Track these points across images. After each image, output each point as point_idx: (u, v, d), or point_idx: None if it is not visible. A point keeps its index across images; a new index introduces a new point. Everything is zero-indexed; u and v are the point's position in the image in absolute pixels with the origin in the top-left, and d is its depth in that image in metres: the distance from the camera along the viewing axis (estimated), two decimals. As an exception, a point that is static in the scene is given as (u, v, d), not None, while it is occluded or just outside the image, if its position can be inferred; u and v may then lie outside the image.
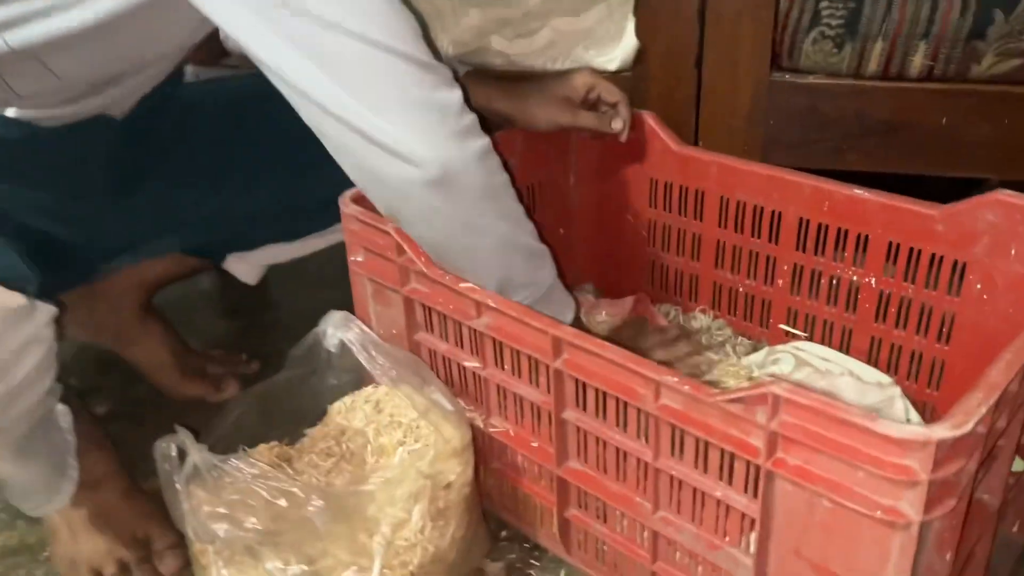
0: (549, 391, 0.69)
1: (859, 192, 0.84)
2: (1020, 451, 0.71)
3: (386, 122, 0.64)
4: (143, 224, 0.94)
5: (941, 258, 0.80)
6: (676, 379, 0.59)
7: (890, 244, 0.83)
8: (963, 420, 0.48)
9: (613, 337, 0.93)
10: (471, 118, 0.68)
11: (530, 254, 0.74)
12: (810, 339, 0.93)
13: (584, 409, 0.69)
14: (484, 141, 0.68)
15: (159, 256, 1.00)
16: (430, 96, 0.65)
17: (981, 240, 0.77)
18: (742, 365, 0.94)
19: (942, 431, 0.48)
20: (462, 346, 0.77)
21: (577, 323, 0.80)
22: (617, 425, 0.67)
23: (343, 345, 0.76)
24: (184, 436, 0.64)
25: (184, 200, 0.94)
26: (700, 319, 1.01)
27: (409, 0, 0.69)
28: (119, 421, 1.06)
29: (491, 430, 0.78)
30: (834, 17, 0.95)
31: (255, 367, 1.13)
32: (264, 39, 0.63)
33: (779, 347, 0.94)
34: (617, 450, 0.67)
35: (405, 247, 0.75)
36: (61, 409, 0.81)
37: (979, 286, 0.78)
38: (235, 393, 1.08)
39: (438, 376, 0.83)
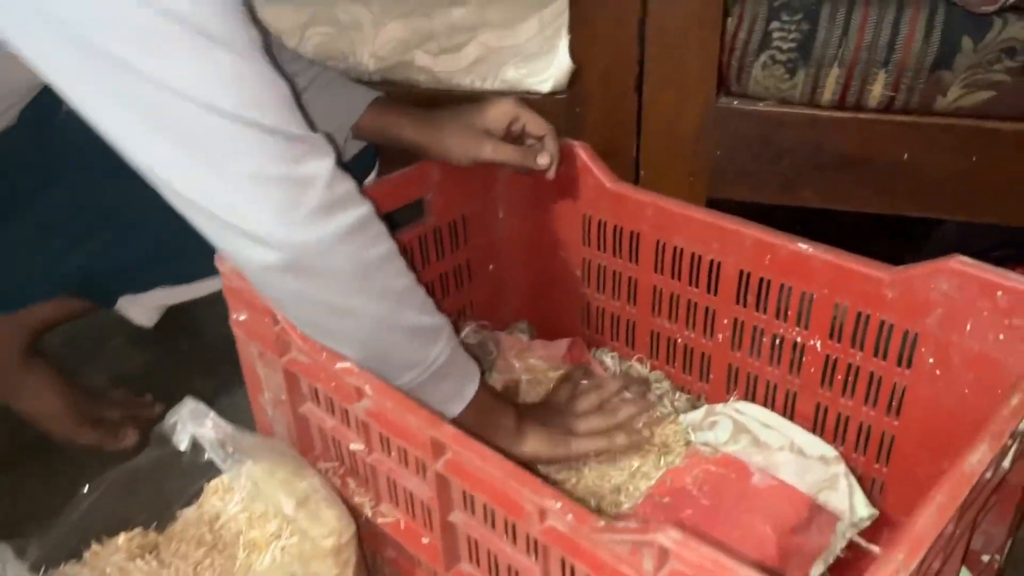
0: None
1: (803, 247, 0.74)
2: (969, 564, 0.63)
3: (238, 200, 0.56)
4: (8, 268, 0.84)
5: (891, 326, 0.72)
6: (560, 504, 0.50)
7: (836, 305, 0.74)
8: (879, 594, 0.40)
9: (550, 399, 0.85)
10: (343, 189, 0.59)
11: (415, 332, 0.65)
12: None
13: (472, 513, 0.60)
14: (356, 213, 0.60)
15: (40, 300, 0.90)
16: (290, 171, 0.56)
17: (934, 311, 0.68)
18: (680, 425, 0.85)
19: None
20: (348, 425, 0.68)
21: (481, 395, 0.72)
22: (506, 536, 0.58)
23: (196, 442, 0.67)
24: (2, 551, 0.55)
25: (59, 243, 0.85)
26: (637, 369, 0.93)
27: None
28: (4, 472, 0.98)
29: (380, 520, 0.69)
30: (786, 40, 0.85)
31: (158, 410, 1.04)
32: (102, 104, 0.54)
33: (719, 407, 0.85)
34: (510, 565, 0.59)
35: (279, 316, 0.66)
36: None
37: (931, 360, 0.70)
38: (133, 442, 1.00)
39: (328, 454, 0.74)
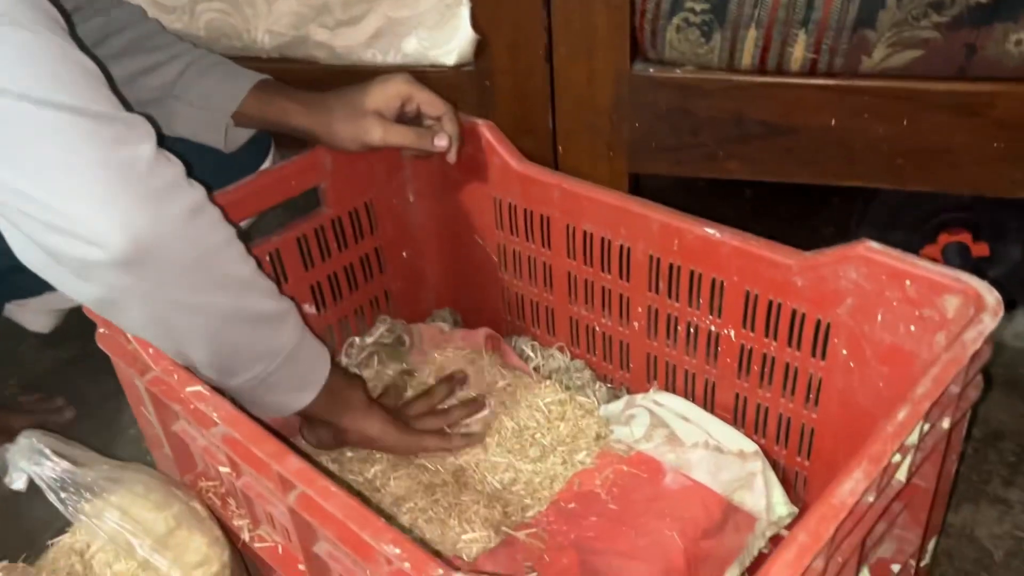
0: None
1: (711, 232, 0.69)
2: (876, 573, 0.59)
3: (51, 194, 0.49)
4: None
5: (803, 315, 0.66)
6: (399, 551, 0.46)
7: (747, 293, 0.69)
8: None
9: (383, 400, 0.80)
10: (171, 171, 0.54)
11: (261, 321, 0.61)
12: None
13: (335, 546, 0.56)
14: (190, 198, 0.54)
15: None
16: (108, 154, 0.50)
17: (844, 300, 0.63)
18: (594, 418, 0.80)
19: None
20: (216, 446, 0.64)
21: (332, 377, 0.68)
22: (368, 572, 0.53)
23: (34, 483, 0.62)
24: None
25: None
26: (558, 358, 0.88)
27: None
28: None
29: (258, 545, 0.65)
30: (698, 1, 0.78)
31: (70, 415, 1.00)
32: None
33: (638, 398, 0.81)
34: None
35: (132, 339, 0.61)
36: None
37: (845, 352, 0.65)
38: (42, 449, 0.95)
39: (208, 472, 0.70)
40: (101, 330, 0.69)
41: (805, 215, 1.18)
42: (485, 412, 0.81)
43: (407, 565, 0.45)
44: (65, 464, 0.59)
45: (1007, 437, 0.87)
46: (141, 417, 0.75)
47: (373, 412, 0.73)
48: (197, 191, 0.55)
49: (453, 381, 0.84)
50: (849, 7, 0.74)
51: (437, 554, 0.58)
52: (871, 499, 0.46)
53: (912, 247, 0.98)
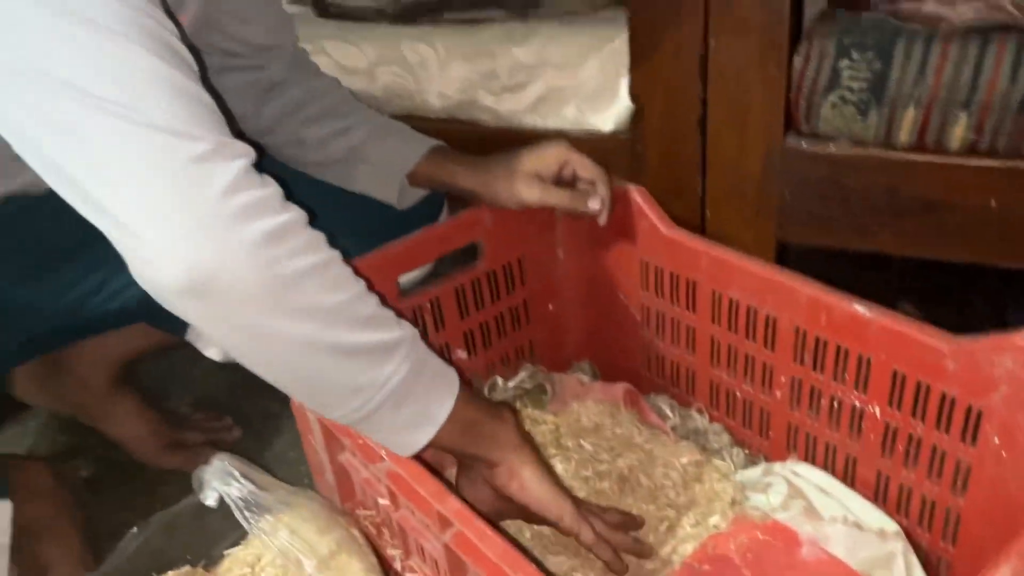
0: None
1: (860, 310, 0.70)
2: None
3: (121, 204, 0.49)
4: (70, 303, 0.88)
5: (953, 399, 0.66)
6: (549, 598, 0.49)
7: (895, 373, 0.69)
8: None
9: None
10: (256, 194, 0.52)
11: (355, 353, 0.58)
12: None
13: (485, 583, 0.60)
14: (270, 223, 0.52)
15: (107, 329, 0.95)
16: (182, 169, 0.49)
17: (999, 388, 0.62)
18: (729, 482, 0.81)
19: None
20: (378, 479, 0.69)
21: (461, 406, 0.64)
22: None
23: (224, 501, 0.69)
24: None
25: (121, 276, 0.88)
26: (697, 419, 0.89)
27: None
28: (93, 489, 1.05)
29: (407, 575, 0.70)
30: (856, 79, 0.80)
31: (236, 435, 1.09)
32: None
33: (776, 466, 0.81)
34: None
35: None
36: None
37: (997, 440, 0.64)
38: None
39: (366, 502, 0.76)
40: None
41: (955, 290, 1.15)
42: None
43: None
44: (250, 486, 0.66)
45: None
46: (307, 444, 0.82)
47: (524, 457, 0.67)
48: (284, 215, 0.53)
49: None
50: (1013, 90, 0.74)
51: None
52: (1020, 598, 0.46)
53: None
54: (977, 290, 1.10)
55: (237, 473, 0.65)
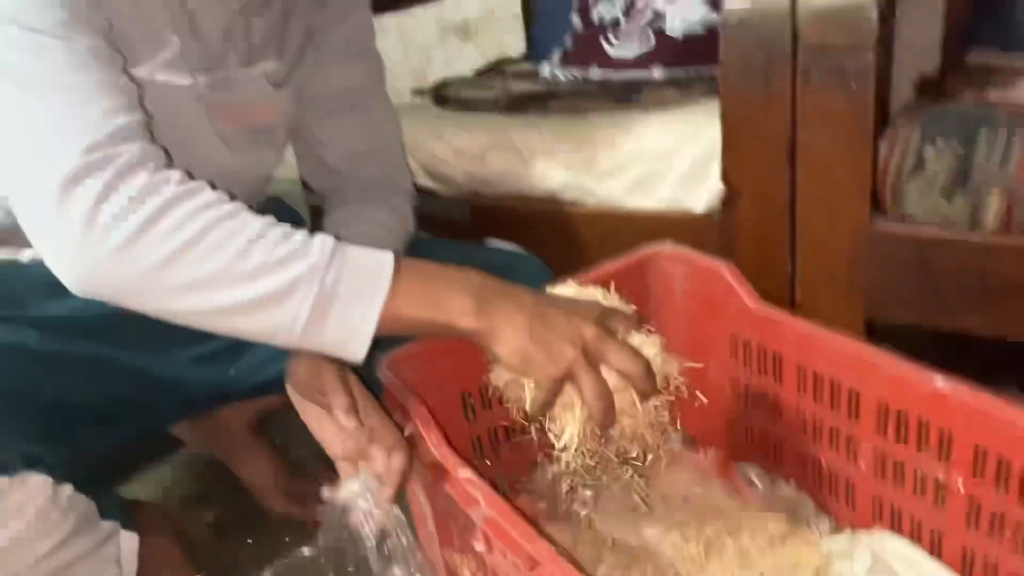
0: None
1: (942, 387, 0.72)
2: None
3: (22, 219, 0.61)
4: (225, 368, 1.00)
5: (1036, 474, 0.67)
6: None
7: (976, 447, 0.71)
8: None
9: None
10: (119, 203, 0.58)
11: (251, 305, 0.61)
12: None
13: (570, 625, 0.64)
14: (133, 223, 0.58)
15: (248, 398, 1.06)
16: (48, 196, 0.58)
17: (1079, 464, 0.64)
18: (816, 549, 0.83)
19: None
20: (475, 525, 0.75)
21: (398, 309, 0.64)
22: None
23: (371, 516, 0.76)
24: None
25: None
26: (784, 488, 0.92)
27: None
28: (219, 531, 1.14)
29: (500, 618, 0.75)
30: (941, 165, 0.84)
31: (352, 489, 1.17)
32: None
33: (863, 535, 0.83)
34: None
35: (420, 428, 0.75)
36: (125, 535, 0.87)
37: (1082, 518, 0.65)
38: (324, 514, 1.13)
39: (464, 545, 0.81)
40: (395, 417, 0.84)
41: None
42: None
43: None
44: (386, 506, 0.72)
45: None
46: (411, 494, 0.89)
47: (492, 307, 0.66)
48: (147, 209, 0.58)
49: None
50: (1099, 176, 0.76)
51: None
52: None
53: None
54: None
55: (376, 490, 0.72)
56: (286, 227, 0.63)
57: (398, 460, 0.72)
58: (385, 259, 0.64)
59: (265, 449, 1.13)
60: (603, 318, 0.68)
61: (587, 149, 1.05)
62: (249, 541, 1.11)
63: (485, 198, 1.17)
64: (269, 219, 0.63)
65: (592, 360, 0.66)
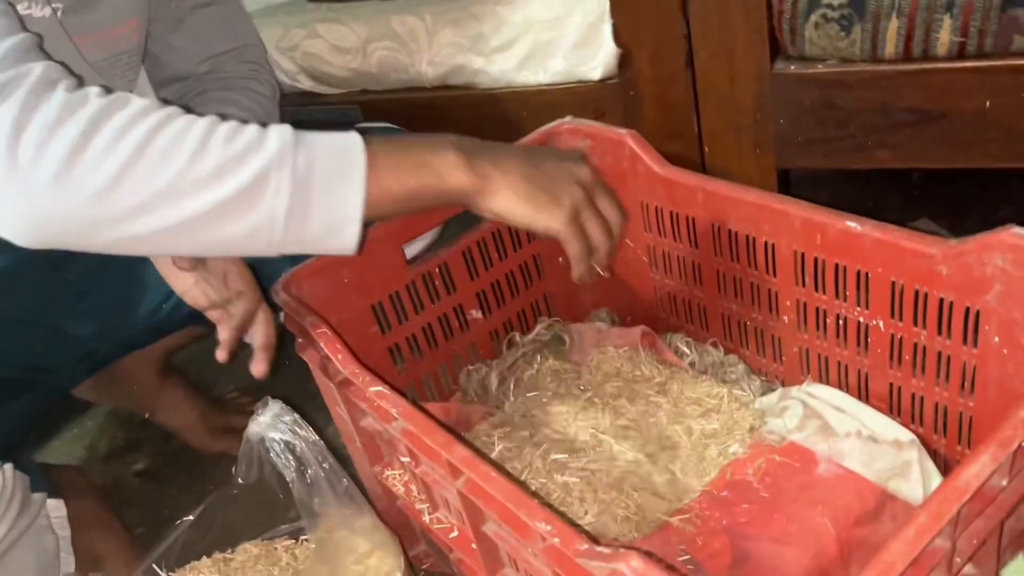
0: (467, 503, 0.63)
1: (852, 226, 0.70)
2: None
3: None
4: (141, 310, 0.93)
5: (951, 303, 0.66)
6: (549, 527, 0.52)
7: (893, 284, 0.70)
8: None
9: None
10: (43, 120, 0.51)
11: (221, 207, 0.53)
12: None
13: (500, 525, 0.63)
14: (66, 140, 0.50)
15: (168, 334, 1.00)
16: None
17: (992, 287, 0.62)
18: (748, 409, 0.83)
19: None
20: (398, 437, 0.73)
21: (382, 180, 0.57)
22: (528, 548, 0.60)
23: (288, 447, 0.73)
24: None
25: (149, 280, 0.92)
26: (712, 353, 0.91)
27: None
28: (151, 479, 1.11)
29: (436, 527, 0.73)
30: (835, -4, 0.79)
31: (276, 415, 1.14)
32: None
33: (793, 390, 0.82)
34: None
35: (323, 346, 0.71)
36: (52, 503, 0.84)
37: (997, 338, 0.64)
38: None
39: (393, 462, 0.79)
40: (299, 340, 0.80)
41: (978, 199, 1.13)
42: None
43: (556, 541, 0.51)
44: (304, 433, 0.69)
45: None
46: (336, 416, 0.85)
47: (481, 167, 0.61)
48: (78, 123, 0.51)
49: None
50: (995, -13, 0.73)
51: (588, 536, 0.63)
52: (1003, 483, 0.47)
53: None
54: (1000, 193, 1.09)
55: (289, 419, 0.68)
56: (233, 122, 0.55)
57: (248, 313, 0.74)
58: (351, 136, 0.57)
59: (181, 390, 1.09)
60: (586, 161, 0.69)
61: (472, 27, 0.97)
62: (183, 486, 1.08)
63: (374, 93, 1.09)
64: (211, 117, 0.55)
65: (591, 202, 0.66)
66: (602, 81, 0.95)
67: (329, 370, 0.74)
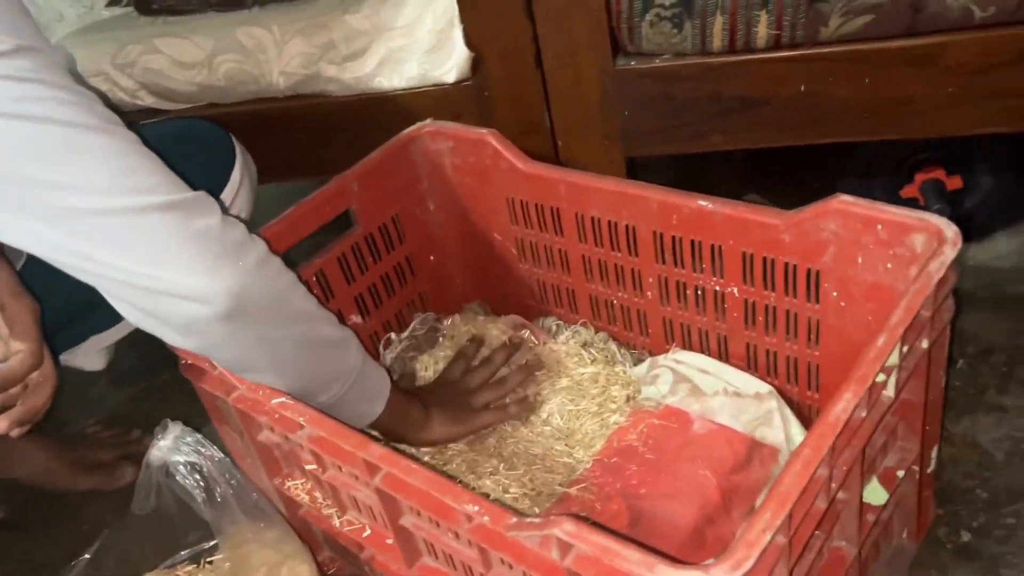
0: (382, 500, 0.65)
1: (704, 204, 0.78)
2: (884, 481, 0.68)
3: (161, 271, 0.60)
4: None
5: (795, 267, 0.75)
6: (477, 508, 0.55)
7: (744, 254, 0.78)
8: (744, 555, 0.45)
9: (443, 377, 0.92)
10: (238, 231, 0.64)
11: (331, 346, 0.71)
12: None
13: (418, 515, 0.65)
14: (259, 249, 0.64)
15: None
16: (188, 229, 0.60)
17: (827, 249, 0.72)
18: (626, 387, 0.89)
19: (720, 571, 0.44)
20: (302, 447, 0.73)
21: (394, 393, 0.78)
22: (450, 534, 0.63)
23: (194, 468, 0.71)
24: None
25: None
26: (583, 333, 0.97)
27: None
28: (15, 529, 1.04)
29: (347, 529, 0.74)
30: (666, -3, 0.87)
31: (148, 443, 1.09)
32: (27, 230, 0.60)
33: (660, 359, 0.90)
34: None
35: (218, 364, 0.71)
36: None
37: (835, 294, 0.73)
38: (131, 478, 1.05)
39: (294, 473, 0.80)
40: (185, 361, 0.79)
41: (793, 172, 1.26)
42: (535, 377, 0.92)
43: (487, 519, 0.54)
44: (209, 452, 0.68)
45: (997, 351, 0.95)
46: (225, 435, 0.85)
47: (431, 420, 0.84)
48: (261, 243, 0.65)
49: (509, 347, 0.95)
50: (802, -15, 0.82)
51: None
52: (863, 414, 0.55)
53: (893, 189, 1.07)
54: (810, 167, 1.22)
55: (192, 440, 0.68)
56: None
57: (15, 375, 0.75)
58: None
59: (26, 438, 1.02)
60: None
61: (321, 36, 0.98)
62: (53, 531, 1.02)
63: (222, 107, 1.07)
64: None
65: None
66: (457, 83, 0.98)
67: (223, 388, 0.74)
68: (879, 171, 1.08)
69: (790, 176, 1.30)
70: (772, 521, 0.46)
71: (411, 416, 0.82)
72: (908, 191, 1.05)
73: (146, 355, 1.26)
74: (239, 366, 0.69)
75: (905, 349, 0.59)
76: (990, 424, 0.88)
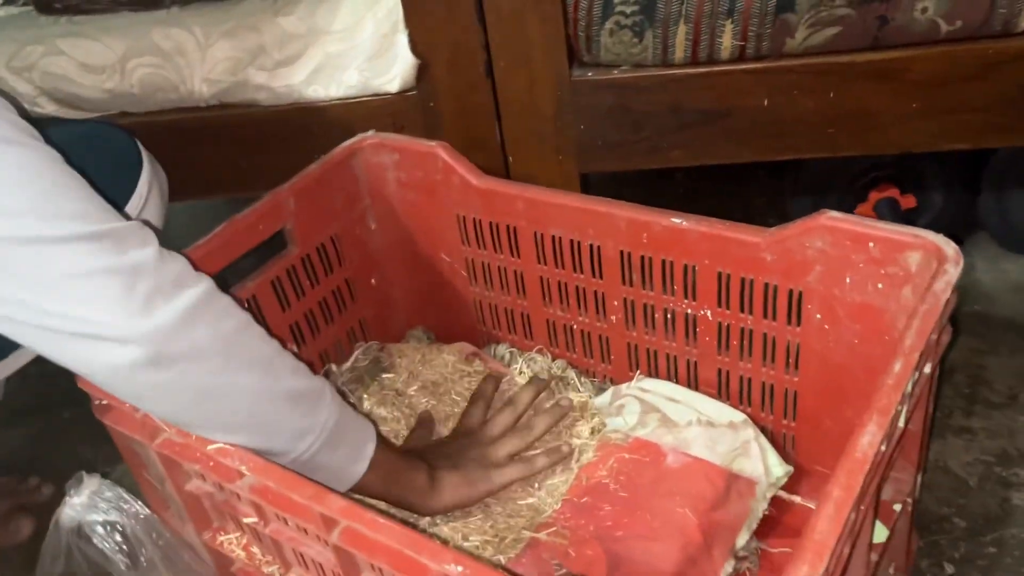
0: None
1: (677, 221, 0.73)
2: (883, 517, 0.64)
3: (71, 304, 0.52)
4: None
5: (775, 287, 0.71)
6: (462, 568, 0.48)
7: (719, 274, 0.73)
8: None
9: (462, 425, 0.81)
10: (177, 265, 0.56)
11: (297, 398, 0.61)
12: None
13: (381, 572, 0.57)
14: (198, 289, 0.55)
15: None
16: (112, 264, 0.52)
17: (813, 269, 0.67)
18: (589, 421, 0.83)
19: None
20: (239, 498, 0.64)
21: (385, 454, 0.68)
22: (419, 593, 0.55)
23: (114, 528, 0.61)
24: None
25: None
26: (538, 360, 0.90)
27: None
28: None
29: (292, 587, 0.66)
30: (628, 4, 0.82)
31: (48, 492, 0.98)
32: None
33: (624, 387, 0.84)
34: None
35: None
36: None
37: (819, 316, 0.69)
38: (30, 531, 0.93)
39: (227, 525, 0.70)
40: (98, 401, 0.68)
41: (736, 190, 1.24)
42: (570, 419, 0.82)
43: (472, 579, 0.47)
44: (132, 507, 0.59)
45: (958, 371, 0.94)
46: (144, 482, 0.74)
47: (439, 486, 0.72)
48: (204, 282, 0.57)
49: (536, 385, 0.85)
50: (769, -6, 0.79)
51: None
52: (884, 448, 0.50)
53: (847, 208, 1.05)
54: (755, 184, 1.19)
55: (111, 495, 0.58)
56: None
57: None
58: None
59: None
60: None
61: (250, 39, 0.89)
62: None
63: (136, 116, 0.97)
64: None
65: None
66: (400, 93, 0.91)
67: (146, 432, 0.64)
68: (832, 189, 1.06)
69: (733, 194, 1.28)
70: (812, 569, 0.40)
71: (411, 479, 0.71)
72: (862, 210, 1.04)
73: (43, 390, 1.13)
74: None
75: (915, 376, 0.55)
76: (960, 448, 0.86)
